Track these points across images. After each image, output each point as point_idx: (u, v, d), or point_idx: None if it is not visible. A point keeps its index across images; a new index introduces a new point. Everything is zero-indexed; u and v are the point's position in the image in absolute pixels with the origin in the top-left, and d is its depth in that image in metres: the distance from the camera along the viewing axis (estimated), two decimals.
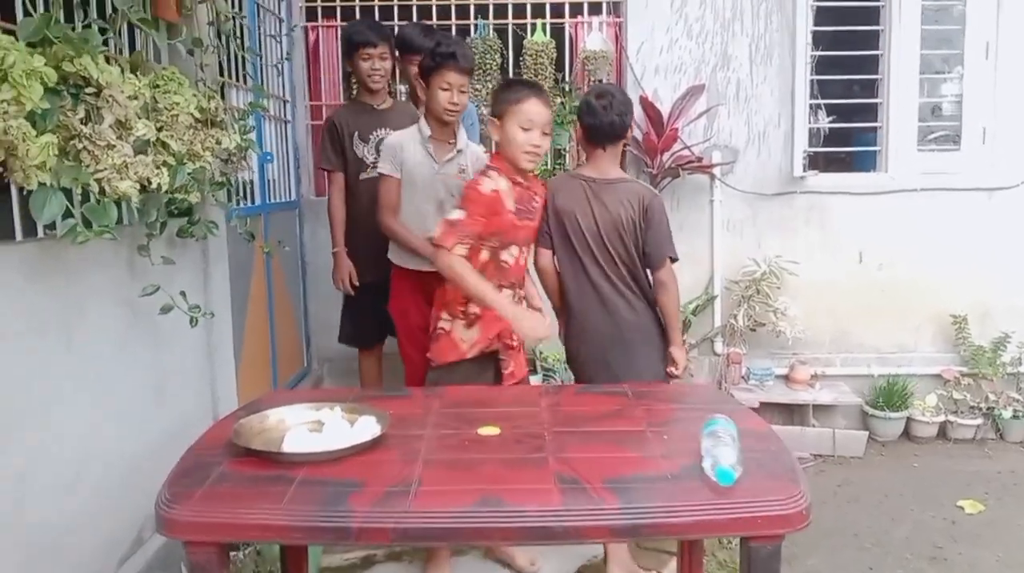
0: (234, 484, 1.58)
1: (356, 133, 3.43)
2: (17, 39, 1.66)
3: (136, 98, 2.06)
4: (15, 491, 1.84)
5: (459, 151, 2.99)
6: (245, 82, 3.42)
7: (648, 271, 2.84)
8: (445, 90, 2.85)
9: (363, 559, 3.01)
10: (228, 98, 3.23)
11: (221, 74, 3.01)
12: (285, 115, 4.28)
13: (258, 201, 3.76)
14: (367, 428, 1.78)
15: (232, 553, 2.68)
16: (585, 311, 2.82)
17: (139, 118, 2.06)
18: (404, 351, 3.12)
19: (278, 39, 4.10)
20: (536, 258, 2.88)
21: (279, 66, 4.04)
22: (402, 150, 2.97)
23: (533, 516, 1.47)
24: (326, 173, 3.54)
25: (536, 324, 2.53)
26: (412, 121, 3.11)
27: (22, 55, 1.61)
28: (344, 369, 4.44)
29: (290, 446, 1.70)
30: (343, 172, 3.47)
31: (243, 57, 3.32)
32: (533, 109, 2.56)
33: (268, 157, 3.84)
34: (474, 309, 2.63)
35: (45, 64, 1.65)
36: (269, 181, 3.95)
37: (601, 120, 2.76)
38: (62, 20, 1.87)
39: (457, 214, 2.52)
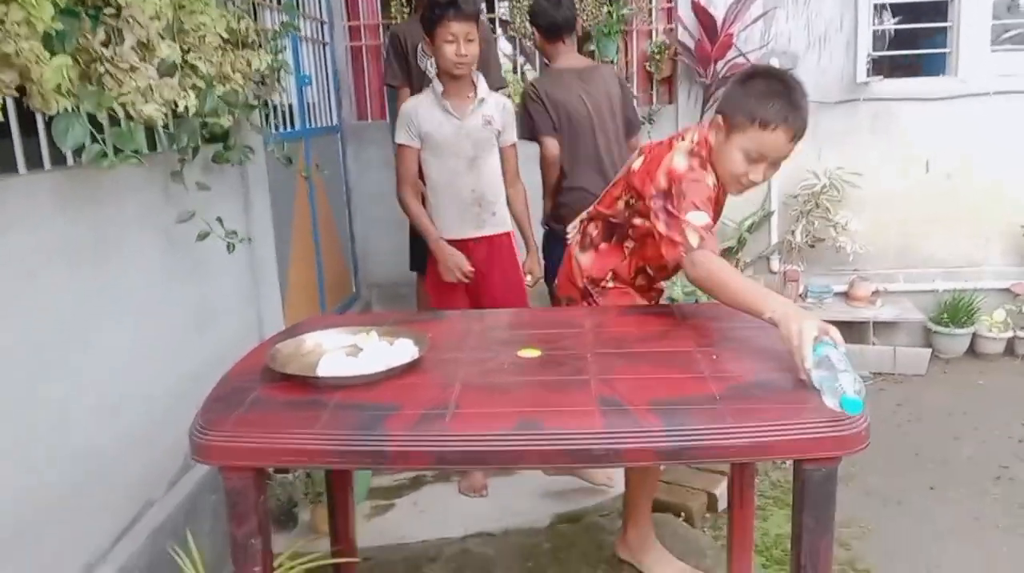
0: (268, 409, 1.55)
1: (420, 46, 3.32)
2: None
3: (158, 18, 1.98)
4: (59, 415, 1.85)
5: (481, 101, 2.78)
6: (278, 2, 3.32)
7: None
8: (450, 42, 2.63)
9: (413, 479, 3.04)
10: (261, 19, 3.14)
11: None
12: (323, 37, 4.17)
13: (298, 126, 3.69)
14: (404, 351, 1.73)
15: (281, 475, 2.71)
16: (589, 185, 3.13)
17: (163, 39, 1.99)
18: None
19: None
20: (545, 149, 3.21)
21: None
22: (418, 115, 2.76)
23: (573, 439, 1.41)
24: (390, 88, 3.47)
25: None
26: (483, 31, 3.01)
27: None
28: (393, 294, 4.43)
29: (325, 370, 1.66)
30: (408, 87, 3.38)
31: None
32: (777, 142, 1.91)
33: (306, 80, 3.76)
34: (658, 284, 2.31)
35: None
36: (308, 105, 3.88)
37: (556, 16, 3.20)
38: None
39: (694, 213, 1.89)
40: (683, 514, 2.78)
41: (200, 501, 2.41)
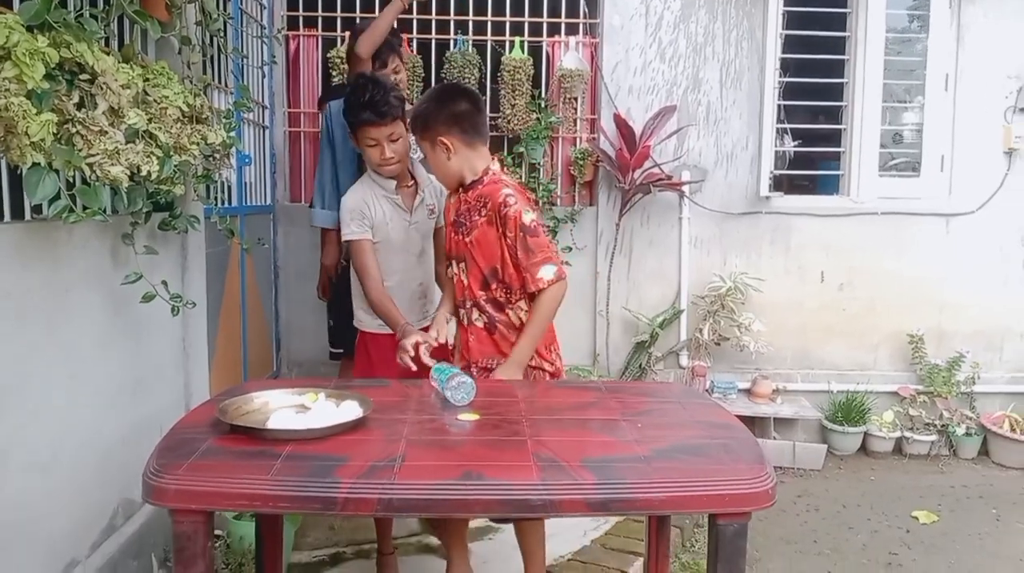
0: (221, 457, 1.61)
1: None
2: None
3: (129, 87, 2.10)
4: None
5: (423, 191, 2.77)
6: (226, 84, 3.47)
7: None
8: (372, 146, 2.61)
9: (332, 556, 3.04)
10: (211, 99, 3.27)
11: (204, 74, 3.05)
12: (263, 120, 4.33)
13: (235, 202, 3.79)
14: (351, 411, 1.82)
15: None
16: None
17: (131, 106, 2.10)
18: None
19: (265, 41, 4.16)
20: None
21: (264, 68, 4.10)
22: (369, 208, 2.68)
23: (514, 489, 1.52)
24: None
25: None
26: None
27: (25, 35, 1.65)
28: (313, 374, 4.45)
29: (276, 425, 1.74)
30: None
31: (226, 59, 3.37)
32: None
33: (246, 159, 3.89)
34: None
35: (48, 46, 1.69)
36: (246, 184, 3.98)
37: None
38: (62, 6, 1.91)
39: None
40: None
41: (121, 566, 2.38)
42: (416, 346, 2.39)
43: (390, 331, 2.63)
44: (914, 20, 4.85)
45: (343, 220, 2.71)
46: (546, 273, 2.32)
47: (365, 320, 2.79)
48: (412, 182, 2.76)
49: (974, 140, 4.68)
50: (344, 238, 2.73)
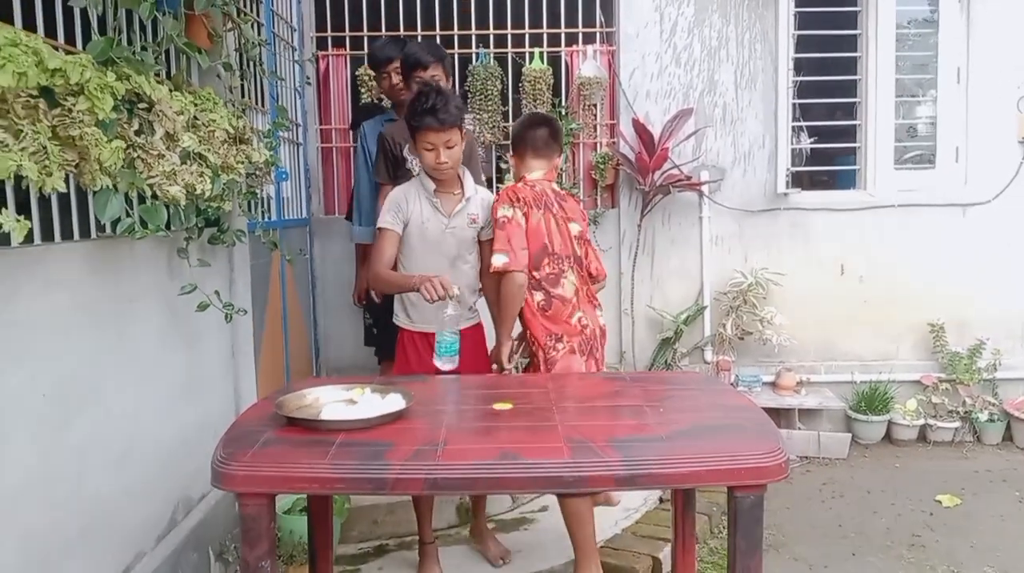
0: (281, 446, 1.79)
1: (408, 146, 3.32)
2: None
3: (182, 113, 2.30)
4: (78, 464, 2.04)
5: (467, 199, 2.86)
6: (262, 105, 3.66)
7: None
8: (429, 150, 2.72)
9: (376, 548, 3.21)
10: (249, 120, 3.47)
11: (243, 97, 3.25)
12: (298, 138, 4.52)
13: (274, 216, 3.98)
14: (395, 403, 1.99)
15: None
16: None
17: (185, 131, 2.30)
18: None
19: (297, 62, 4.36)
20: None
21: (299, 89, 4.29)
22: (407, 203, 2.83)
23: (547, 467, 1.68)
24: (381, 185, 3.45)
25: None
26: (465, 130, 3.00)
27: (96, 72, 1.84)
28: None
29: (329, 416, 1.91)
30: (393, 185, 3.25)
31: (262, 82, 3.57)
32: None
33: (284, 175, 4.08)
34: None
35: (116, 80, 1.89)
36: (284, 199, 4.18)
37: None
38: (124, 43, 2.11)
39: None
40: None
41: (183, 558, 2.56)
42: (439, 281, 2.60)
43: (426, 330, 2.81)
44: (924, 15, 4.94)
45: (384, 208, 2.88)
46: (496, 260, 2.74)
47: (403, 319, 2.94)
48: (459, 190, 2.87)
49: (988, 131, 4.76)
50: (377, 225, 2.89)
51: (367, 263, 3.56)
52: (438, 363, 2.61)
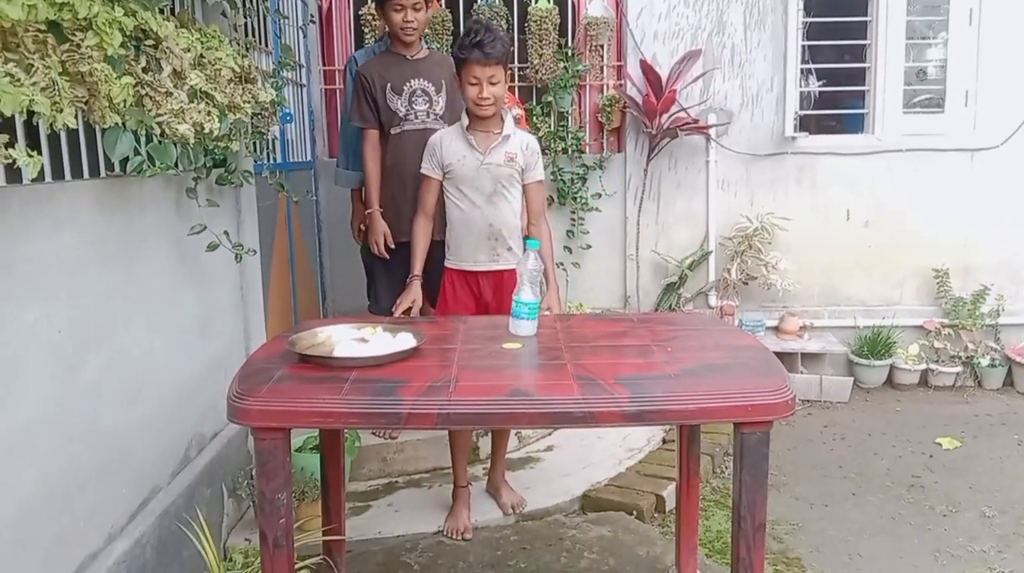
0: (296, 382, 1.81)
1: (388, 85, 3.24)
2: None
3: (189, 50, 2.27)
4: (94, 400, 2.07)
5: (506, 138, 2.82)
6: (266, 45, 3.62)
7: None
8: (473, 84, 2.71)
9: (386, 485, 3.27)
10: (255, 59, 3.43)
11: (247, 36, 3.21)
12: (300, 79, 4.48)
13: (279, 159, 3.97)
14: (406, 341, 2.02)
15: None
16: None
17: (192, 69, 2.27)
18: None
19: (303, 1, 4.31)
20: None
21: (303, 28, 4.24)
22: (441, 147, 2.84)
23: (557, 403, 1.71)
24: (362, 130, 3.30)
25: None
26: (448, 69, 3.06)
27: (103, 6, 1.82)
28: None
29: (341, 353, 1.93)
30: (377, 128, 3.28)
31: (265, 21, 3.52)
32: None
33: (288, 117, 4.05)
34: None
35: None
36: (288, 141, 4.16)
37: None
38: None
39: None
40: (635, 512, 3.06)
41: (198, 493, 2.61)
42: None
43: (468, 268, 2.87)
44: None
45: (424, 153, 2.90)
46: None
47: (447, 256, 2.94)
48: (499, 130, 2.84)
49: (998, 74, 4.70)
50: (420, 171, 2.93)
51: (355, 209, 3.55)
52: (512, 329, 2.24)
